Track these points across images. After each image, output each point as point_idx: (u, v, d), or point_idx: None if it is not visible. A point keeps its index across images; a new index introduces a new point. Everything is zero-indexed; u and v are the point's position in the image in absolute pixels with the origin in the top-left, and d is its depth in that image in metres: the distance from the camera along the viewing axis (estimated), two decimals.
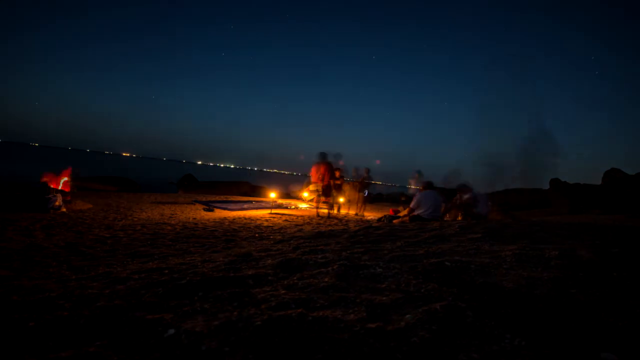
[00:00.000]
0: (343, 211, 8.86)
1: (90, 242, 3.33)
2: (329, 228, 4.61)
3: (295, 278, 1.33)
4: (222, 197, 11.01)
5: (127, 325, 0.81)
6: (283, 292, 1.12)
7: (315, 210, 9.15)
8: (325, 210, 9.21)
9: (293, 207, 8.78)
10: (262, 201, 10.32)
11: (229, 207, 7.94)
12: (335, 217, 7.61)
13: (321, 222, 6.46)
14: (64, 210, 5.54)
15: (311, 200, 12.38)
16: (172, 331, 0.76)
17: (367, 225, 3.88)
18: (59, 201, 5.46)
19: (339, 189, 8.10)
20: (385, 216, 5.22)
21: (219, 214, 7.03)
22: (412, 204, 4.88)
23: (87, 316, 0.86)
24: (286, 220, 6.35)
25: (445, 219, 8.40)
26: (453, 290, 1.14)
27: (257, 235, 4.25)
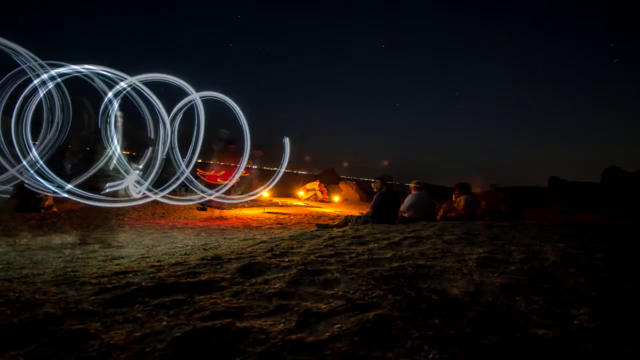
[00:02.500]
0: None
1: (73, 243, 3.35)
2: (314, 230, 4.60)
3: (248, 283, 1.34)
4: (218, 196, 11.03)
5: (50, 335, 0.82)
6: (227, 299, 1.12)
7: (309, 209, 9.16)
8: (321, 210, 9.21)
9: (289, 205, 8.81)
10: (257, 200, 10.33)
11: (222, 207, 7.96)
12: (330, 217, 7.59)
13: (313, 222, 6.44)
14: (55, 210, 5.57)
15: (308, 199, 12.41)
16: (91, 342, 0.77)
17: (350, 227, 3.88)
18: (49, 201, 5.49)
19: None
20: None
21: (212, 213, 7.05)
22: (402, 207, 4.87)
23: (14, 325, 0.87)
24: (277, 219, 6.36)
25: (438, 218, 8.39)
26: (397, 297, 1.14)
27: (242, 235, 4.26)
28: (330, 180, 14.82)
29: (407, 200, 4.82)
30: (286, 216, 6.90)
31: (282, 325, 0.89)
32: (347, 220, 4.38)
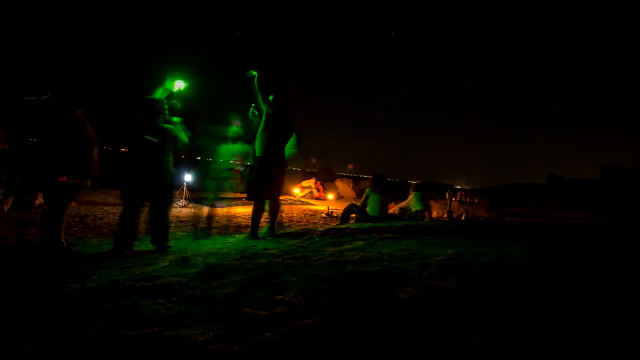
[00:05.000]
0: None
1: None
2: (300, 228, 4.60)
3: (201, 288, 1.34)
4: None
5: None
6: (171, 305, 1.13)
7: (303, 206, 9.17)
8: (316, 207, 9.22)
9: (282, 202, 8.83)
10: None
11: (215, 205, 7.97)
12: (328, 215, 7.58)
13: (302, 221, 6.45)
14: (46, 208, 5.59)
15: (304, 197, 12.43)
16: (19, 351, 0.77)
17: (333, 227, 3.88)
18: (40, 200, 5.51)
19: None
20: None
21: (204, 211, 7.06)
22: (404, 205, 4.89)
23: None
24: (267, 219, 6.36)
25: (433, 216, 8.37)
26: (343, 302, 1.14)
27: (227, 234, 4.27)
28: (327, 178, 14.83)
29: (407, 201, 4.85)
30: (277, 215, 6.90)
31: (211, 334, 0.89)
32: (350, 211, 4.36)
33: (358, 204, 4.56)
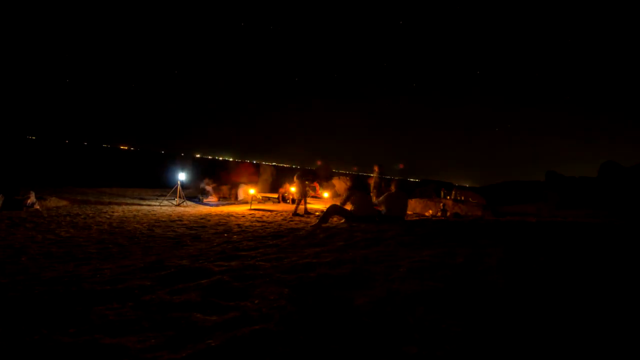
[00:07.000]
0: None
1: (39, 244, 3.37)
2: (290, 227, 4.58)
3: (162, 292, 1.34)
4: None
5: None
6: (125, 310, 1.12)
7: (295, 206, 9.17)
8: (310, 205, 9.22)
9: (278, 201, 8.83)
10: (245, 197, 10.34)
11: (210, 203, 7.99)
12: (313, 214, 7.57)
13: (294, 220, 6.44)
14: (38, 207, 5.61)
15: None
16: None
17: (316, 227, 3.88)
18: (31, 199, 5.53)
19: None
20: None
21: (198, 210, 7.07)
22: (377, 200, 4.84)
23: None
24: (259, 217, 6.37)
25: (427, 214, 8.35)
26: (300, 307, 1.13)
27: (218, 235, 4.27)
28: (324, 176, 14.79)
29: (383, 197, 4.80)
30: (270, 213, 6.91)
31: (152, 341, 0.88)
32: (329, 213, 4.29)
33: (339, 203, 4.55)
